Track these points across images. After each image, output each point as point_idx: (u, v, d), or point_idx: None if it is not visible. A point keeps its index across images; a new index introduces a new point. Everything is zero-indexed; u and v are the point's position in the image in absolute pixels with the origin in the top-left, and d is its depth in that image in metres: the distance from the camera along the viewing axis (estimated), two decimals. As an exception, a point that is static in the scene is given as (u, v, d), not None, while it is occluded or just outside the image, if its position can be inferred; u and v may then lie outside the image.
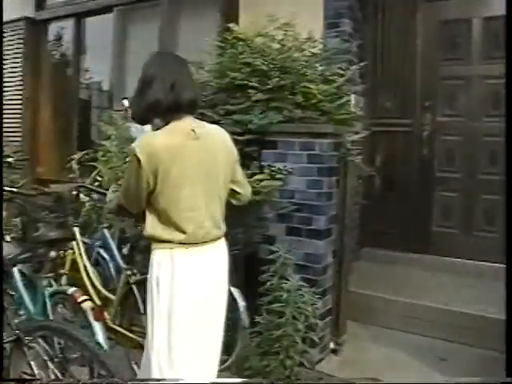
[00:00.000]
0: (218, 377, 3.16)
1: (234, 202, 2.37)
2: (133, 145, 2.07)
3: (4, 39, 6.67)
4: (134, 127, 2.86)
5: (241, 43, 3.54)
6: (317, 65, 3.61)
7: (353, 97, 3.96)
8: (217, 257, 2.25)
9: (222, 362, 3.24)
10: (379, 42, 4.64)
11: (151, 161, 2.00)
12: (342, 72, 3.63)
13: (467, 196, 4.30)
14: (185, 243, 2.10)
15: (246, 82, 3.35)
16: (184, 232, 2.09)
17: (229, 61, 3.50)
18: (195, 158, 2.08)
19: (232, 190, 2.30)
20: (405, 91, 4.56)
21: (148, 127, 2.38)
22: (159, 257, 2.13)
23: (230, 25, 3.70)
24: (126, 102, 3.02)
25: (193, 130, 2.09)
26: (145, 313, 2.28)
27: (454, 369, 3.15)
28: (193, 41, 4.95)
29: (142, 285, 2.70)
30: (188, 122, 2.12)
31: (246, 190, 2.39)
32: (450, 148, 4.37)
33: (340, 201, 3.41)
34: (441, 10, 4.40)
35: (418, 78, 4.48)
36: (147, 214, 2.14)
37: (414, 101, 4.51)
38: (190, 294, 2.14)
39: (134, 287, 3.08)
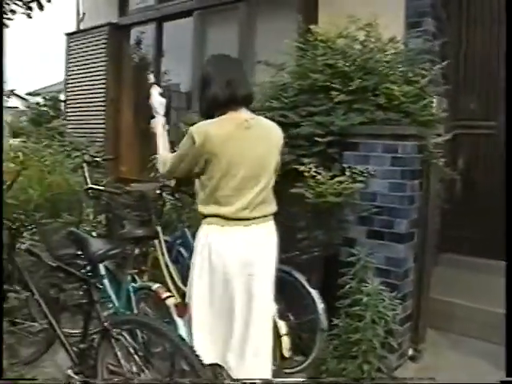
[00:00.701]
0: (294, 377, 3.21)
1: None
2: (192, 127, 2.37)
3: (89, 44, 6.98)
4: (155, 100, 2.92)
5: (322, 44, 3.53)
6: (399, 65, 3.55)
7: (435, 98, 3.86)
8: (262, 237, 2.47)
9: (299, 363, 3.28)
10: (463, 41, 4.50)
11: (205, 145, 2.31)
12: (425, 72, 3.55)
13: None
14: (230, 219, 2.37)
15: (327, 84, 3.33)
16: (230, 209, 2.36)
17: (310, 62, 3.49)
18: (246, 144, 2.37)
19: None
20: (489, 92, 4.41)
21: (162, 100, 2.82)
22: (206, 230, 2.42)
23: (311, 26, 3.70)
24: (151, 77, 3.10)
25: (246, 121, 2.39)
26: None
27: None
28: (271, 42, 4.99)
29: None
30: (242, 114, 2.42)
31: None
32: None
33: (422, 204, 3.34)
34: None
35: (502, 78, 4.31)
36: (199, 192, 2.45)
37: (498, 102, 4.34)
38: (228, 269, 2.38)
39: None
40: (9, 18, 3.66)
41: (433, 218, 3.44)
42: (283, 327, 2.90)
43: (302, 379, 3.15)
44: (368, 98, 3.34)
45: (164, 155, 2.63)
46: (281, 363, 2.98)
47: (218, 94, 2.39)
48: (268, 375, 2.51)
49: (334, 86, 3.32)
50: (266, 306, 2.48)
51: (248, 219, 2.40)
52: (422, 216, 3.36)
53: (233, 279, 2.39)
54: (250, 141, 2.38)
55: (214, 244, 2.39)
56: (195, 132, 2.33)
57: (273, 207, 2.53)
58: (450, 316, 3.71)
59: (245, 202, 2.38)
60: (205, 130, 2.33)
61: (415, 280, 3.38)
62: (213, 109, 2.44)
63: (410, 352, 3.42)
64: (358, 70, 3.36)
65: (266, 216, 2.48)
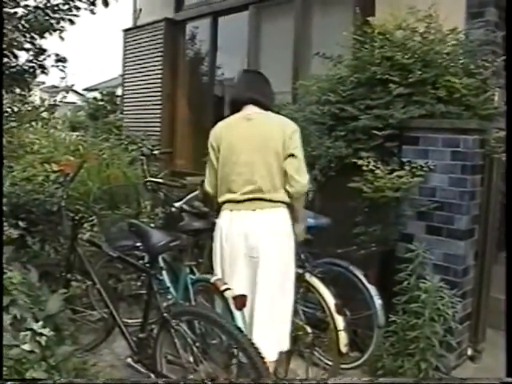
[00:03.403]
0: (349, 375, 3.19)
1: (288, 189, 2.69)
2: None
3: (146, 39, 7.10)
4: None
5: (380, 37, 3.47)
6: (460, 57, 3.46)
7: (498, 91, 3.74)
8: (269, 223, 2.65)
9: (355, 359, 3.25)
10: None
11: (215, 138, 2.78)
12: (487, 64, 3.45)
13: None
14: (237, 202, 2.67)
15: (386, 77, 3.28)
16: (236, 194, 2.67)
17: (368, 55, 3.44)
18: (246, 132, 2.69)
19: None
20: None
21: None
22: (220, 216, 2.75)
23: (369, 18, 3.64)
24: None
25: (248, 114, 2.74)
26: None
27: None
28: (327, 35, 4.95)
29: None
30: (248, 110, 2.76)
31: (296, 182, 2.66)
32: None
33: (483, 200, 3.25)
34: None
35: None
36: (218, 185, 2.77)
37: None
38: (234, 252, 2.66)
39: None
40: (75, 15, 3.74)
41: (494, 215, 3.34)
42: (341, 322, 2.89)
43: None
44: (427, 90, 3.27)
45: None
46: (337, 358, 2.97)
47: (231, 96, 2.97)
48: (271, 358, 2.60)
49: (392, 78, 3.26)
50: (269, 292, 2.63)
51: (252, 203, 2.65)
52: (483, 212, 3.27)
53: (238, 261, 2.67)
54: (248, 130, 2.70)
55: (224, 228, 2.70)
56: (211, 136, 2.82)
57: (280, 195, 2.68)
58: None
59: (249, 187, 2.65)
60: (215, 128, 2.83)
61: (475, 278, 3.29)
62: (229, 109, 2.90)
63: (469, 352, 3.34)
64: (417, 62, 3.29)
65: (271, 201, 2.66)
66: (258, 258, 2.61)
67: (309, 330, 3.03)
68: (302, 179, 2.66)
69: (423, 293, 2.96)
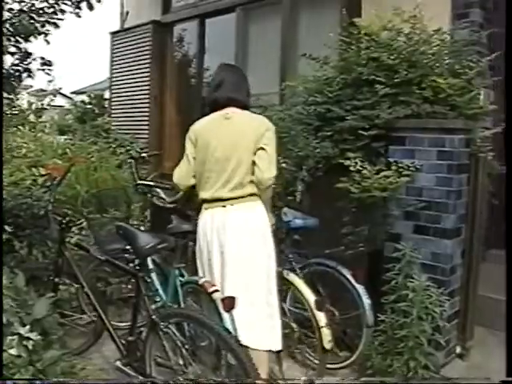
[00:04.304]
0: (339, 375, 3.20)
1: (253, 179, 2.75)
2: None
3: (133, 42, 7.09)
4: None
5: (366, 38, 3.49)
6: (445, 58, 3.48)
7: (483, 90, 3.77)
8: (239, 218, 2.71)
9: (345, 359, 3.27)
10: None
11: (194, 133, 2.84)
12: (472, 64, 3.47)
13: None
14: (210, 200, 2.76)
15: (372, 77, 3.30)
16: (210, 191, 2.76)
17: (354, 56, 3.46)
18: (222, 130, 2.76)
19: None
20: (539, 84, 4.26)
21: None
22: (200, 215, 2.83)
23: (355, 19, 3.66)
24: None
25: (227, 113, 2.79)
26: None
27: None
28: (314, 37, 4.97)
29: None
30: (227, 110, 2.81)
31: (260, 172, 2.72)
32: None
33: (470, 199, 3.27)
34: None
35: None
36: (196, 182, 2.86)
37: (549, 94, 4.19)
38: (210, 248, 2.76)
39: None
40: (60, 18, 3.74)
41: (481, 213, 3.36)
42: (322, 318, 2.91)
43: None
44: (413, 91, 3.28)
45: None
46: (323, 356, 2.98)
47: (207, 96, 3.04)
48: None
49: (378, 79, 3.28)
50: (239, 287, 2.68)
51: (223, 200, 2.73)
52: (470, 211, 3.29)
53: (213, 258, 2.75)
54: (226, 127, 2.77)
55: (200, 226, 2.81)
56: (190, 130, 2.88)
57: (249, 189, 2.75)
58: (499, 314, 3.62)
59: (221, 183, 2.73)
60: (194, 125, 2.90)
61: (462, 276, 3.31)
62: (208, 107, 2.94)
63: (458, 350, 3.36)
64: (402, 62, 3.31)
65: (242, 197, 2.74)
66: (226, 253, 2.69)
67: (294, 326, 3.09)
68: (266, 170, 2.71)
69: (411, 292, 2.97)
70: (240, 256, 2.69)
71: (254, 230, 2.74)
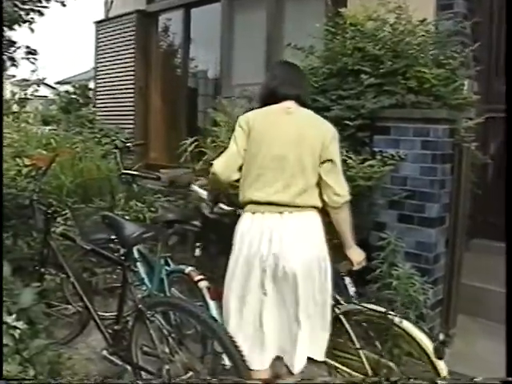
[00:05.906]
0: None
1: (325, 198, 2.46)
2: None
3: (118, 31, 7.03)
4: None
5: (351, 28, 3.50)
6: (430, 48, 3.50)
7: (467, 81, 3.80)
8: (296, 229, 2.36)
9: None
10: (495, 22, 4.40)
11: (246, 123, 2.48)
12: (456, 55, 3.50)
13: None
14: (262, 203, 2.38)
15: (357, 67, 3.31)
16: (257, 191, 2.39)
17: (339, 46, 3.47)
18: (282, 126, 2.45)
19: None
20: (522, 74, 4.31)
21: None
22: (241, 218, 2.46)
23: (341, 9, 3.67)
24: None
25: (288, 108, 2.50)
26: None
27: None
28: (299, 26, 4.96)
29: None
30: (288, 104, 2.52)
31: (331, 190, 2.44)
32: None
33: (453, 189, 3.31)
34: None
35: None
36: (241, 182, 2.49)
37: (532, 84, 4.24)
38: (251, 259, 2.35)
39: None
40: (44, 6, 3.70)
41: (464, 203, 3.40)
42: (444, 368, 2.59)
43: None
44: (398, 81, 3.31)
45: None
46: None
47: (264, 89, 2.67)
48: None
49: (363, 69, 3.30)
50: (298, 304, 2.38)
51: (281, 205, 2.36)
52: (453, 200, 3.33)
53: (253, 271, 2.35)
54: (287, 123, 2.47)
55: (240, 231, 2.43)
56: (241, 118, 2.53)
57: (313, 200, 2.43)
58: (481, 301, 3.68)
59: (281, 185, 2.38)
60: (249, 114, 2.55)
61: (446, 265, 3.36)
62: (262, 100, 2.65)
63: (441, 337, 3.40)
64: (387, 52, 3.34)
65: (304, 207, 2.40)
66: (280, 268, 2.33)
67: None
68: (342, 191, 2.46)
69: (395, 280, 3.01)
70: (300, 271, 2.34)
71: (313, 243, 2.42)
